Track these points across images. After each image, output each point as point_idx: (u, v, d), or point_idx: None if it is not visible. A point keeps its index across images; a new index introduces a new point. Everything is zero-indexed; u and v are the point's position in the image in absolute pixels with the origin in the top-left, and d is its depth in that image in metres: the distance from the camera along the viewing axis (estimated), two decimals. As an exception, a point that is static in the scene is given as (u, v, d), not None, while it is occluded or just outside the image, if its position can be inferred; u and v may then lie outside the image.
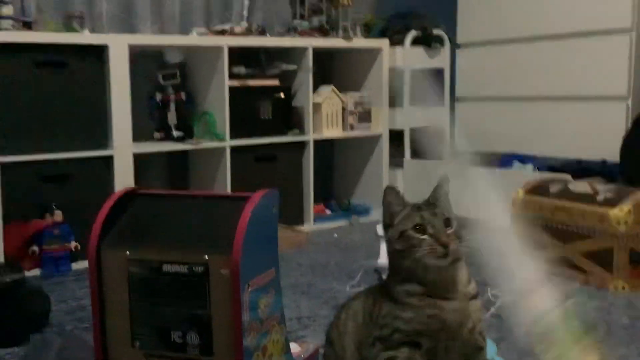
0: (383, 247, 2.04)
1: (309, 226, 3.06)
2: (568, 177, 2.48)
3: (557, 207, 2.23)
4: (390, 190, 1.08)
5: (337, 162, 3.50)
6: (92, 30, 2.76)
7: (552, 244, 2.25)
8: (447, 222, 1.02)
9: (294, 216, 3.04)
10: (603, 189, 2.19)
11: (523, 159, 2.91)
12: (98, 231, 1.18)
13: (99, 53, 2.50)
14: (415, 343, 1.01)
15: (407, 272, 1.03)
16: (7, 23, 2.40)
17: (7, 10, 2.42)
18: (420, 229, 1.01)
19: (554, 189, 2.31)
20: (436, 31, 3.29)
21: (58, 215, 2.37)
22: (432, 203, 1.06)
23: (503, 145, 3.14)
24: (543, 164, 2.88)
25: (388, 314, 1.04)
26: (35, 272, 2.35)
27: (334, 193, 3.49)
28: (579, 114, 2.84)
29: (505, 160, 2.95)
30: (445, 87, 3.38)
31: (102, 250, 1.19)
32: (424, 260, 1.00)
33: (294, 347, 1.44)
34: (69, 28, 2.57)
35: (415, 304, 1.01)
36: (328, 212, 3.22)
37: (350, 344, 1.10)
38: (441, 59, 3.36)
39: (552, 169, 2.81)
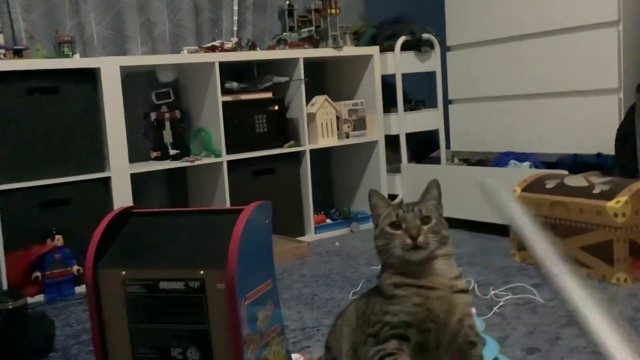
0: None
1: (311, 236, 3.06)
2: (564, 172, 2.48)
3: (555, 202, 2.23)
4: (374, 193, 1.13)
5: (334, 171, 3.51)
6: (83, 54, 2.78)
7: (551, 240, 2.25)
8: (425, 220, 1.06)
9: (295, 227, 3.05)
10: (599, 182, 2.19)
11: (519, 157, 2.91)
12: (94, 252, 1.19)
13: (91, 76, 2.52)
14: (403, 336, 1.03)
15: (390, 267, 1.07)
16: (-1, 52, 2.43)
17: (-2, 39, 2.45)
18: (396, 225, 1.06)
19: (550, 185, 2.31)
20: (425, 35, 3.31)
21: (59, 240, 2.38)
22: (414, 203, 1.10)
23: (498, 144, 3.15)
24: (539, 161, 2.88)
25: (379, 311, 1.06)
26: (40, 297, 2.36)
27: (333, 202, 3.49)
28: (572, 109, 2.85)
29: (501, 159, 2.96)
30: (437, 90, 3.39)
31: (99, 270, 1.20)
32: (396, 254, 1.04)
33: (296, 358, 1.44)
34: (60, 53, 2.59)
35: (401, 294, 1.04)
36: (328, 221, 3.22)
37: (347, 346, 1.11)
38: (432, 62, 3.37)
39: (549, 165, 2.81)
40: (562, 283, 0.95)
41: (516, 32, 3.05)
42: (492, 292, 2.02)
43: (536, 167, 2.81)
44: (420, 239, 1.04)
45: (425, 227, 1.05)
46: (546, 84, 2.94)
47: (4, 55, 2.44)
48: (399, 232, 1.05)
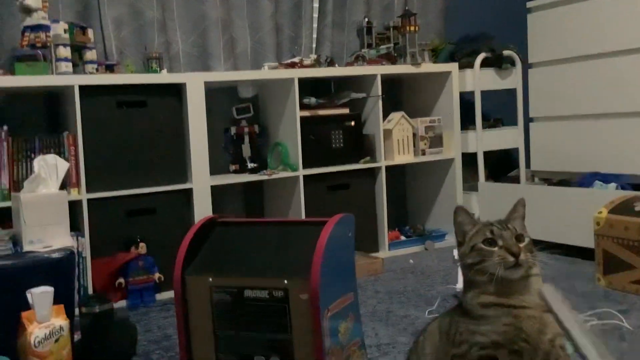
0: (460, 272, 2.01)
1: (384, 253, 3.05)
2: (654, 194, 2.37)
3: (644, 225, 2.13)
4: (461, 210, 1.12)
5: (410, 188, 3.48)
6: (170, 70, 2.89)
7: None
8: (519, 238, 1.05)
9: (369, 243, 3.04)
10: (693, 205, 2.08)
11: (604, 178, 2.80)
12: (182, 258, 1.23)
13: (176, 91, 2.61)
14: (493, 357, 1.00)
15: (480, 285, 1.05)
16: (91, 67, 2.55)
17: (91, 54, 2.58)
18: (491, 242, 1.05)
19: (639, 207, 2.21)
20: (506, 52, 3.25)
21: (142, 248, 2.46)
22: (503, 221, 1.09)
23: (582, 164, 3.04)
24: (626, 182, 2.76)
25: (465, 331, 1.04)
26: (122, 303, 2.44)
27: (407, 219, 3.46)
28: (663, 129, 2.73)
29: (586, 180, 2.85)
30: (518, 108, 3.32)
31: (187, 277, 1.23)
32: (496, 271, 1.02)
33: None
34: (148, 69, 2.71)
35: (490, 314, 1.02)
36: (402, 238, 3.20)
37: (430, 365, 1.10)
38: (512, 79, 3.31)
39: (636, 187, 2.69)
40: None
41: (601, 49, 2.95)
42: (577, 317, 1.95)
43: (623, 188, 2.70)
44: (522, 256, 1.02)
45: (522, 245, 1.03)
46: (633, 103, 2.83)
47: (97, 69, 2.57)
48: (495, 249, 1.04)
